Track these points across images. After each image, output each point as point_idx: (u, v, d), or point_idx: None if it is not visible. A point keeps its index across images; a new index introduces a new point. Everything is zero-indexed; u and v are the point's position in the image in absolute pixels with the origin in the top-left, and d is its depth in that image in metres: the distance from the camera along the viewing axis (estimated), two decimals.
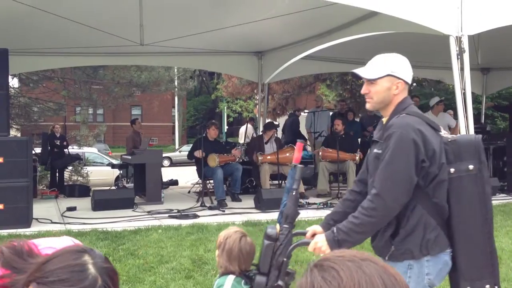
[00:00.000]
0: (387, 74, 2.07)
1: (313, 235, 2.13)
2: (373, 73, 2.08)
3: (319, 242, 2.00)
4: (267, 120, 11.52)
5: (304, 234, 2.18)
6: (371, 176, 2.06)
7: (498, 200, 7.59)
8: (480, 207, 1.99)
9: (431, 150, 1.96)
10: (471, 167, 1.99)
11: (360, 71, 2.11)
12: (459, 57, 5.70)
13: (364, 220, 1.94)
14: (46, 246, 1.55)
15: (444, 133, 2.07)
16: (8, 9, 6.37)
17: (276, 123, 11.13)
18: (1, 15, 6.72)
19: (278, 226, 2.00)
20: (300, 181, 2.09)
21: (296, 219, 2.02)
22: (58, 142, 10.47)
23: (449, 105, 11.21)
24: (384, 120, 2.12)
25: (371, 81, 2.08)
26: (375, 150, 2.07)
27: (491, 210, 2.02)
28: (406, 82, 2.09)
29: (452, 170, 2.00)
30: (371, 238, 2.10)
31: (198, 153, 7.98)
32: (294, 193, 2.02)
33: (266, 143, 8.88)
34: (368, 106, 2.17)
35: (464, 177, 1.99)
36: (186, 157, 8.97)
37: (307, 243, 2.05)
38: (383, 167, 1.97)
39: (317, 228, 2.16)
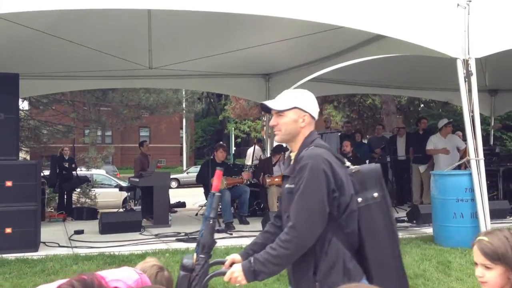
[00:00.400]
0: (294, 107, 2.13)
1: (232, 264, 2.10)
2: (281, 105, 2.14)
3: (235, 272, 1.98)
4: (275, 142, 11.52)
5: (222, 263, 2.15)
6: (285, 211, 2.07)
7: (508, 223, 7.48)
8: (388, 232, 2.05)
9: (340, 180, 2.00)
10: (376, 194, 2.05)
11: (269, 103, 2.17)
12: (466, 79, 5.71)
13: (281, 252, 1.94)
14: (113, 278, 1.61)
15: (347, 164, 2.11)
16: (19, 35, 6.48)
17: (284, 145, 11.11)
18: (12, 41, 6.83)
19: (195, 256, 1.98)
20: (217, 210, 2.08)
21: (213, 248, 2.01)
22: (66, 165, 10.52)
23: (458, 126, 11.17)
24: (292, 155, 2.15)
25: (279, 113, 2.14)
26: (287, 185, 2.09)
27: (397, 234, 2.10)
28: (312, 116, 2.16)
29: (359, 199, 2.04)
30: (289, 275, 2.10)
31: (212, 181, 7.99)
32: (211, 222, 2.02)
33: (274, 165, 8.87)
34: (276, 138, 2.21)
35: (371, 205, 2.04)
36: (195, 180, 8.97)
37: (223, 273, 2.02)
38: (297, 198, 1.98)
39: (236, 257, 2.14)
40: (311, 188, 1.96)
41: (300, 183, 1.98)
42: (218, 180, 2.17)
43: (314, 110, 2.19)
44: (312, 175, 1.97)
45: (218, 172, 2.19)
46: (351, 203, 2.01)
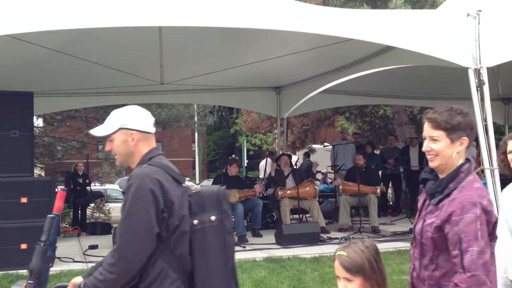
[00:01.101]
0: (119, 128, 2.06)
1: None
2: (105, 130, 2.09)
3: None
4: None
5: (65, 287, 2.10)
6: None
7: None
8: (221, 256, 2.00)
9: (170, 201, 1.93)
10: (213, 218, 2.00)
11: (93, 131, 2.13)
12: (478, 88, 5.68)
13: (106, 277, 1.87)
14: None
15: (187, 184, 2.05)
16: (33, 54, 6.60)
17: (295, 157, 11.10)
18: (27, 60, 6.96)
19: (25, 282, 1.94)
20: (49, 233, 2.02)
21: (43, 273, 1.95)
22: (80, 180, 10.62)
23: None
24: None
25: (109, 139, 2.09)
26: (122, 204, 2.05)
27: (232, 259, 2.04)
28: (142, 132, 2.07)
29: (195, 221, 1.99)
30: None
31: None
32: (42, 245, 1.95)
33: (287, 177, 8.86)
34: (116, 162, 2.18)
35: (207, 228, 1.99)
36: None
37: None
38: (122, 219, 1.93)
39: (79, 279, 2.07)
40: (136, 209, 1.89)
41: (125, 203, 1.92)
42: (59, 201, 2.10)
43: (143, 124, 2.09)
44: (138, 195, 1.90)
45: (60, 193, 2.13)
46: (182, 224, 1.95)
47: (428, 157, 1.98)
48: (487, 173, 5.68)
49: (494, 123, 5.95)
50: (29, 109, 6.45)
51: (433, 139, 1.97)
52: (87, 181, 10.89)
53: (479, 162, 8.46)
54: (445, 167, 1.98)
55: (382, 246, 6.71)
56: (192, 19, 5.12)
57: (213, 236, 2.00)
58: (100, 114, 13.68)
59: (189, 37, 6.91)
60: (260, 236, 8.03)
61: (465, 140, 1.97)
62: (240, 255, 6.44)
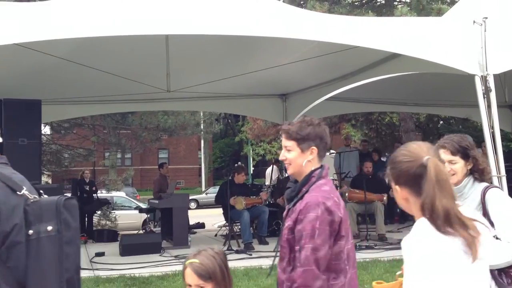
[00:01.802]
0: None
1: None
2: None
3: None
4: None
5: None
6: None
7: None
8: (57, 268, 1.92)
9: None
10: (50, 228, 1.92)
11: None
12: (485, 95, 5.66)
13: None
14: None
15: (24, 193, 1.97)
16: (41, 62, 6.66)
17: None
18: (34, 68, 7.02)
19: None
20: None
21: None
22: (87, 188, 10.66)
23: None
24: None
25: None
26: None
27: (70, 270, 1.96)
28: None
29: (30, 232, 1.90)
30: None
31: (232, 201, 8.01)
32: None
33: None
34: None
35: (43, 238, 1.91)
36: (214, 201, 9.01)
37: None
38: None
39: None
40: None
41: None
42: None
43: None
44: None
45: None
46: (13, 234, 1.87)
47: (285, 165, 2.17)
48: (495, 180, 5.64)
49: (501, 130, 5.91)
50: (37, 117, 6.52)
51: (287, 149, 2.18)
52: (94, 188, 10.93)
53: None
54: (299, 174, 2.16)
55: (389, 254, 6.68)
56: (199, 27, 5.15)
57: (49, 247, 1.91)
58: (106, 122, 13.78)
59: (196, 45, 6.94)
60: (267, 243, 8.01)
61: (315, 150, 2.17)
62: (246, 263, 6.43)
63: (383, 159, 11.69)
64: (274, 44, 6.77)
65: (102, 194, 13.13)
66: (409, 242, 1.53)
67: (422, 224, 1.54)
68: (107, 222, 13.17)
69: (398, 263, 5.98)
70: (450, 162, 2.51)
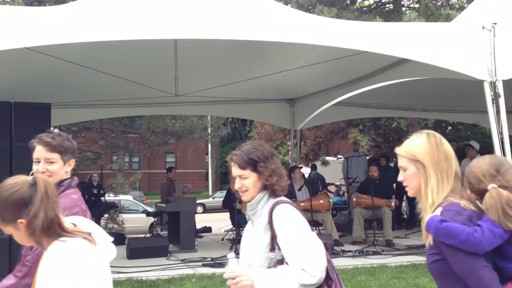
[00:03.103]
0: None
1: None
2: None
3: None
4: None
5: None
6: None
7: None
8: None
9: None
10: None
11: None
12: (494, 101, 5.63)
13: None
14: None
15: None
16: (51, 66, 6.72)
17: (304, 169, 11.02)
18: (44, 72, 7.08)
19: None
20: None
21: None
22: (95, 191, 10.71)
23: (487, 148, 10.96)
24: None
25: None
26: None
27: None
28: None
29: None
30: None
31: (238, 206, 8.02)
32: None
33: (299, 189, 8.84)
34: None
35: None
36: (221, 205, 9.02)
37: None
38: None
39: None
40: None
41: None
42: None
43: None
44: None
45: None
46: None
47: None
48: None
49: (510, 136, 5.88)
50: (47, 120, 6.56)
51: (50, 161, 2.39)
52: (102, 191, 10.98)
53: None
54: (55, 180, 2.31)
55: (396, 260, 6.64)
56: (207, 31, 5.17)
57: None
58: (115, 125, 13.86)
59: (204, 49, 6.97)
60: None
61: (72, 162, 2.46)
62: None
63: (391, 164, 11.65)
64: (282, 49, 6.78)
65: (109, 197, 13.19)
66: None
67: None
68: (114, 226, 13.21)
69: (405, 269, 5.95)
70: (240, 177, 2.20)
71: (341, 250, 7.56)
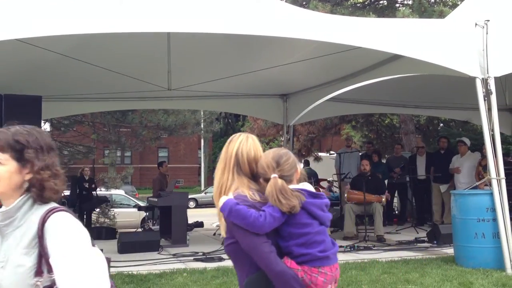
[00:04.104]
0: None
1: None
2: None
3: None
4: None
5: None
6: None
7: None
8: None
9: None
10: None
11: None
12: (486, 98, 5.66)
13: None
14: None
15: None
16: (42, 58, 6.67)
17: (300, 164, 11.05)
18: (35, 64, 7.03)
19: None
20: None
21: None
22: (86, 185, 10.65)
23: (478, 145, 11.03)
24: None
25: None
26: None
27: None
28: None
29: None
30: None
31: None
32: None
33: None
34: None
35: None
36: (213, 199, 9.01)
37: None
38: None
39: None
40: None
41: None
42: None
43: None
44: None
45: None
46: None
47: None
48: (494, 183, 5.65)
49: (501, 134, 5.93)
50: (38, 113, 6.52)
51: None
52: (93, 186, 10.93)
53: (479, 172, 8.45)
54: None
55: (387, 255, 6.68)
56: (201, 25, 5.15)
57: None
58: (107, 119, 13.78)
59: (197, 43, 6.95)
60: None
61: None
62: None
63: (383, 160, 11.69)
64: (276, 44, 6.77)
65: (101, 191, 13.13)
66: None
67: None
68: (106, 220, 13.16)
69: (396, 264, 5.98)
70: None
71: None
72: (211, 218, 12.75)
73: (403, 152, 11.97)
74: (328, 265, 2.07)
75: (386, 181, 10.05)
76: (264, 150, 2.21)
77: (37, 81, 7.69)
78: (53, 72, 7.58)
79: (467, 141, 9.38)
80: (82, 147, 14.79)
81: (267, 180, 2.05)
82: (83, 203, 10.43)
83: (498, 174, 5.65)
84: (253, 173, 2.12)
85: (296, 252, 2.03)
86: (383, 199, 8.43)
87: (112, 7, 4.98)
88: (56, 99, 8.94)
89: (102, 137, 15.34)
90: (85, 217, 10.57)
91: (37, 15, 4.71)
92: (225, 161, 2.17)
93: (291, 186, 2.05)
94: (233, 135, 2.22)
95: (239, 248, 2.02)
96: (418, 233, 8.61)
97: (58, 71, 7.56)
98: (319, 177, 12.95)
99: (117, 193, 16.84)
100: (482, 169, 8.21)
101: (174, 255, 7.11)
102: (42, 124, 10.56)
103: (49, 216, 1.59)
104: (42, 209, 1.60)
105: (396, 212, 11.49)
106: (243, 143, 2.14)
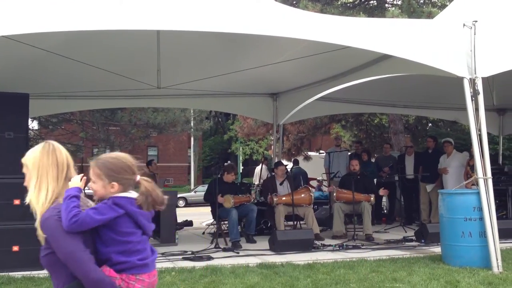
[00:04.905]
0: None
1: None
2: None
3: None
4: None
5: None
6: None
7: None
8: None
9: None
10: None
11: None
12: (473, 98, 5.71)
13: None
14: None
15: None
16: (29, 55, 6.59)
17: (286, 163, 11.06)
18: (22, 61, 6.95)
19: None
20: None
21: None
22: None
23: (466, 145, 11.12)
24: None
25: None
26: None
27: None
28: None
29: None
30: None
31: (220, 199, 7.99)
32: None
33: (281, 184, 8.86)
34: None
35: None
36: (203, 199, 8.99)
37: None
38: None
39: None
40: None
41: None
42: None
43: None
44: None
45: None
46: None
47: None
48: (481, 182, 5.70)
49: (488, 134, 5.98)
50: (25, 111, 6.45)
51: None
52: None
53: (468, 171, 8.53)
54: None
55: (375, 254, 6.71)
56: (191, 23, 5.13)
57: None
58: (95, 118, 13.70)
59: (187, 41, 6.92)
60: (254, 242, 8.01)
61: None
62: (233, 261, 6.42)
63: (372, 160, 11.75)
64: (266, 43, 6.77)
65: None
66: None
67: None
68: None
69: (384, 263, 6.02)
70: None
71: (321, 244, 7.60)
72: (200, 217, 12.72)
73: (392, 151, 12.05)
74: (146, 272, 2.14)
75: (375, 180, 10.11)
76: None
77: (25, 78, 7.61)
78: (40, 69, 7.50)
79: (452, 141, 9.52)
80: (71, 146, 14.68)
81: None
82: None
83: (485, 173, 5.71)
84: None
85: (115, 259, 2.07)
86: (372, 198, 8.47)
87: (101, 4, 4.94)
88: (44, 96, 8.86)
89: (90, 136, 15.25)
90: None
91: (24, 12, 4.66)
92: (58, 168, 2.21)
93: (120, 194, 2.17)
94: (43, 144, 2.24)
95: (57, 260, 2.05)
96: (406, 232, 8.67)
97: (46, 68, 7.49)
98: (309, 176, 12.99)
99: None
100: (470, 169, 8.28)
101: (162, 254, 7.08)
102: (30, 122, 10.46)
103: None
104: None
105: (385, 211, 11.56)
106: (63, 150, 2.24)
